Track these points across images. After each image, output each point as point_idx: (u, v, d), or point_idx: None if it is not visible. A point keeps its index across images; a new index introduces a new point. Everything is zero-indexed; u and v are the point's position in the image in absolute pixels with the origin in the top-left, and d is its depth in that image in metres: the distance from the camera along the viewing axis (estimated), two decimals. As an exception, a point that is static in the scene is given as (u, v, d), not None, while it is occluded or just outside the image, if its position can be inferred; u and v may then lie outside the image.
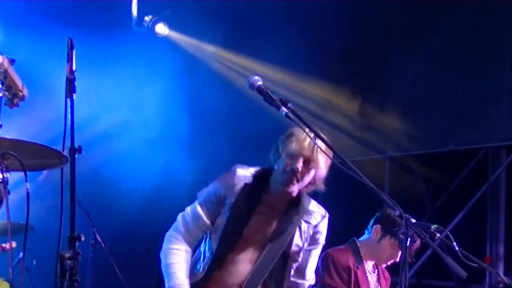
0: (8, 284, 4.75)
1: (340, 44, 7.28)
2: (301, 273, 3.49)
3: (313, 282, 3.57)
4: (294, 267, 3.46)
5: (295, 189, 3.28)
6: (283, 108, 3.08)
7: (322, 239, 3.47)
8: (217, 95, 7.92)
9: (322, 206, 3.50)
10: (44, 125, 7.15)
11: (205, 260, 3.34)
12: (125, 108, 8.55)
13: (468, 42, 6.54)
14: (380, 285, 4.42)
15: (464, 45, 6.56)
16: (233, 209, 3.29)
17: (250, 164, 3.46)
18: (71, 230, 2.64)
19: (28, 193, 2.85)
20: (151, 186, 8.59)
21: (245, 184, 3.31)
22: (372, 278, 4.37)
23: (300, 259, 3.45)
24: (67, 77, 2.81)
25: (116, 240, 8.05)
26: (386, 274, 4.52)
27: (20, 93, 3.42)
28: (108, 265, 6.00)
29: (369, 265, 4.40)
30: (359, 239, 4.44)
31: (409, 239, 3.04)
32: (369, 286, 4.33)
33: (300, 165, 3.20)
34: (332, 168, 3.29)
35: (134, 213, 8.64)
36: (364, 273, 4.33)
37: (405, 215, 2.94)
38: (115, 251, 6.97)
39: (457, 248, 3.21)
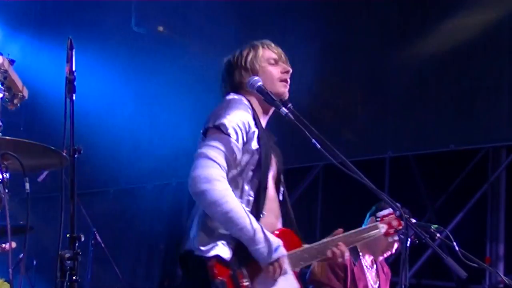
0: (8, 285, 4.74)
1: (340, 44, 7.28)
2: None
3: None
4: None
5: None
6: (283, 108, 3.08)
7: None
8: (217, 96, 7.91)
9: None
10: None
11: (251, 202, 2.97)
12: (125, 108, 8.55)
13: (467, 42, 6.53)
14: (379, 280, 4.38)
15: (464, 44, 6.55)
16: (262, 139, 3.03)
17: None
18: (71, 230, 2.64)
19: (27, 193, 2.85)
20: (151, 186, 8.59)
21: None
22: (370, 274, 4.33)
23: None
24: (66, 77, 2.81)
25: (116, 240, 8.06)
26: (386, 269, 4.48)
27: (20, 93, 3.42)
28: (108, 265, 6.00)
29: (367, 260, 4.36)
30: None
31: (409, 239, 3.03)
32: (367, 283, 4.28)
33: (288, 65, 3.29)
34: (333, 168, 3.29)
35: (134, 213, 8.64)
36: (362, 269, 4.28)
37: (405, 215, 2.94)
38: (115, 251, 6.97)
39: (457, 248, 3.20)
